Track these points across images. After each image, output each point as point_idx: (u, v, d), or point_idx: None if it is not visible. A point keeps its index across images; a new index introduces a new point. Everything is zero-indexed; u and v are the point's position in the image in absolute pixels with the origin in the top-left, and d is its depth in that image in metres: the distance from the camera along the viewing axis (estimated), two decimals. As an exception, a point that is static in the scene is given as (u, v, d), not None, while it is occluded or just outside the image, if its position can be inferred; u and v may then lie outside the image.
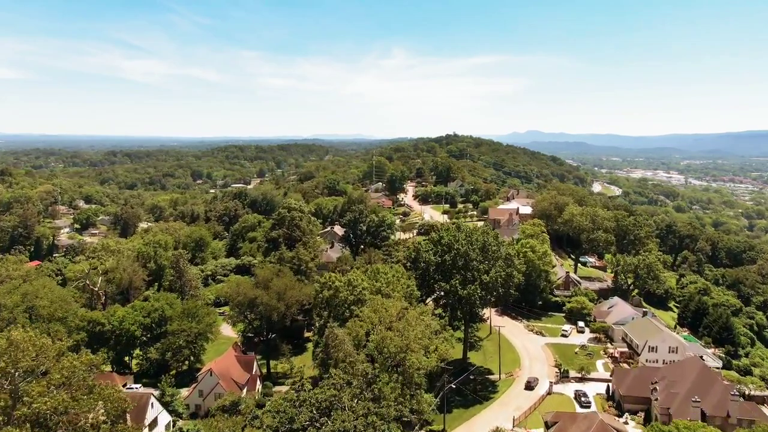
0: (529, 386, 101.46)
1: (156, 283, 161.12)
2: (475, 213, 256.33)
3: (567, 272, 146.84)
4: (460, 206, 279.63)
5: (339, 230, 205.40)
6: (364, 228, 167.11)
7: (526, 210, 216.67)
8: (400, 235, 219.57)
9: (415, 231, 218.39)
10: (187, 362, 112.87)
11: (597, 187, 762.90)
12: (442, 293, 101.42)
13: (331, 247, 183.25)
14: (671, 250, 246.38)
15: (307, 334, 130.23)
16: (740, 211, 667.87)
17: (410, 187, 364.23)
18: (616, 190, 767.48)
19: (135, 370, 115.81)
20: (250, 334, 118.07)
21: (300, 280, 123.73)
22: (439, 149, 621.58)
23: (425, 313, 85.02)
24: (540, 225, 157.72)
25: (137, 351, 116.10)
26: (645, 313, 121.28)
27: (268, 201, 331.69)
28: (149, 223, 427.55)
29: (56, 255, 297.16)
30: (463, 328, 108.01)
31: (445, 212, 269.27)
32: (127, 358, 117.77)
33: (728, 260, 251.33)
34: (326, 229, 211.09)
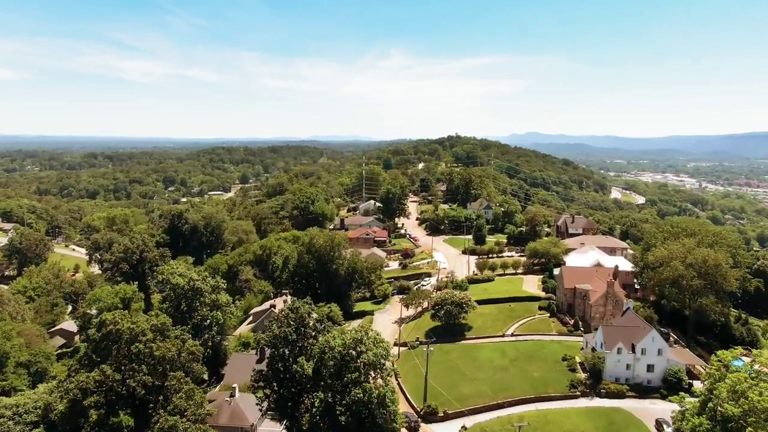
0: None
1: None
2: (519, 258, 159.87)
3: None
4: (491, 241, 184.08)
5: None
6: (308, 373, 60.76)
7: (625, 265, 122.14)
8: (399, 312, 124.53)
9: (425, 303, 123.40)
10: None
11: (616, 194, 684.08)
12: None
13: (256, 363, 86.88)
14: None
15: None
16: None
17: (412, 205, 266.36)
18: (638, 197, 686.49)
19: None
20: None
21: None
22: (443, 152, 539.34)
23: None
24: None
25: None
26: None
27: (212, 229, 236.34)
28: (75, 248, 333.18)
29: None
30: None
31: (467, 251, 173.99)
32: None
33: None
34: (263, 307, 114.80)
